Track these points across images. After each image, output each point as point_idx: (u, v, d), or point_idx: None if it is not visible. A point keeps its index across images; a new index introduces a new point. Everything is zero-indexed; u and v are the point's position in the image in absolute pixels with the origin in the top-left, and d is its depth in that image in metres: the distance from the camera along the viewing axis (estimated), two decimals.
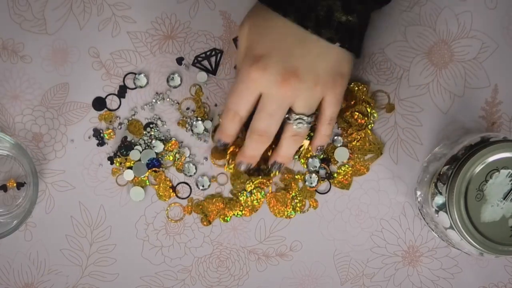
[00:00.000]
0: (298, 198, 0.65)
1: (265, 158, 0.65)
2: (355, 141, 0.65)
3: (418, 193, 0.63)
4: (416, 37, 0.65)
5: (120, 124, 0.66)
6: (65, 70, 0.66)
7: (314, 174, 0.65)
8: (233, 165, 0.64)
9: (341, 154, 0.65)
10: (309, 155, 0.65)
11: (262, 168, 0.65)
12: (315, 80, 0.56)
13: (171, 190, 0.66)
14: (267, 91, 0.57)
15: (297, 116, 0.58)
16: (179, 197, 0.66)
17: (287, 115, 0.58)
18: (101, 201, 0.66)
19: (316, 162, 0.65)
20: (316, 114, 0.59)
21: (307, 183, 0.65)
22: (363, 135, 0.65)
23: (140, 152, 0.65)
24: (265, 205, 0.66)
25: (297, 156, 0.65)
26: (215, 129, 0.65)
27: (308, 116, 0.58)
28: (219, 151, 0.65)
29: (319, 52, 0.56)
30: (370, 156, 0.65)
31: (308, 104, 0.58)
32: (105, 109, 0.66)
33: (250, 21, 0.58)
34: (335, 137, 0.65)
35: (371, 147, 0.65)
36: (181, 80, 0.66)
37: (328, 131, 0.61)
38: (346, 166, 0.65)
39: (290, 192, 0.65)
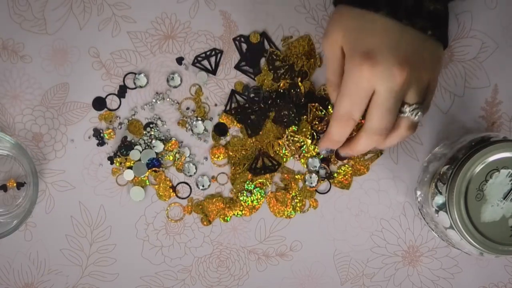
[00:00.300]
0: (298, 198, 0.65)
1: (268, 155, 0.65)
2: None
3: (418, 193, 0.63)
4: None
5: (120, 124, 0.66)
6: (65, 70, 0.66)
7: (314, 174, 0.65)
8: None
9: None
10: (309, 155, 0.65)
11: (267, 165, 0.65)
12: (422, 68, 0.55)
13: (171, 190, 0.66)
14: (383, 86, 0.54)
15: (414, 106, 0.56)
16: (179, 197, 0.66)
17: (400, 109, 0.57)
18: (101, 201, 0.66)
19: (316, 162, 0.65)
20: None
21: (307, 183, 0.65)
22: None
23: (140, 152, 0.65)
24: (265, 205, 0.66)
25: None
26: (213, 129, 0.65)
27: (421, 103, 0.57)
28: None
29: (418, 42, 0.55)
30: (370, 156, 0.65)
31: (421, 92, 0.56)
32: (105, 109, 0.66)
33: (341, 26, 0.56)
34: None
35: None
36: (181, 80, 0.66)
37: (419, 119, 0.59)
38: (346, 166, 0.65)
39: (290, 192, 0.65)
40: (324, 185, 0.66)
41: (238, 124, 0.65)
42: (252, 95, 0.65)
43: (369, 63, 0.53)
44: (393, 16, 0.54)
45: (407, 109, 0.56)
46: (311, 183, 0.65)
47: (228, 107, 0.65)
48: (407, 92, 0.55)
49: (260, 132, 0.65)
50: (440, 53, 0.57)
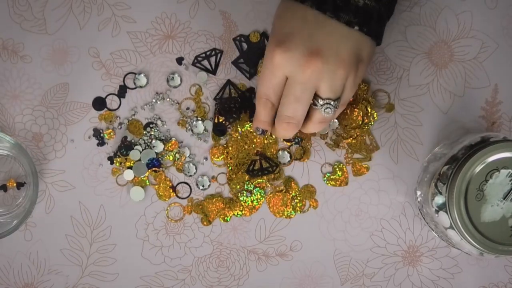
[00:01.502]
0: (298, 198, 0.65)
1: (266, 156, 0.65)
2: (351, 139, 0.65)
3: (418, 193, 0.63)
4: (416, 37, 0.65)
5: (120, 124, 0.66)
6: (65, 70, 0.66)
7: (285, 151, 0.65)
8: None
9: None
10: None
11: (265, 167, 0.65)
12: (338, 63, 0.55)
13: (171, 190, 0.66)
14: (292, 74, 0.55)
15: (324, 101, 0.57)
16: (179, 197, 0.66)
17: (313, 101, 0.57)
18: (101, 201, 0.66)
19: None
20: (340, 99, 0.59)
21: (279, 159, 0.65)
22: (359, 134, 0.65)
23: (140, 152, 0.65)
24: (265, 205, 0.66)
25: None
26: (213, 129, 0.65)
27: (334, 100, 0.57)
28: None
29: (340, 35, 0.55)
30: (360, 157, 0.65)
31: (333, 88, 0.56)
32: (105, 109, 0.66)
33: (275, 15, 0.58)
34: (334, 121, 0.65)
35: (366, 147, 0.65)
36: (181, 80, 0.66)
37: (334, 116, 0.60)
38: (340, 163, 0.65)
39: (290, 192, 0.65)
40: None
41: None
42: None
43: (280, 49, 0.55)
44: (317, 8, 0.55)
45: (319, 102, 0.57)
46: (284, 159, 0.65)
47: (219, 96, 0.65)
48: (319, 85, 0.56)
49: (227, 132, 0.65)
50: (368, 50, 0.57)
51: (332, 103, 0.57)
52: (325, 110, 0.57)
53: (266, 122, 0.60)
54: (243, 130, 0.65)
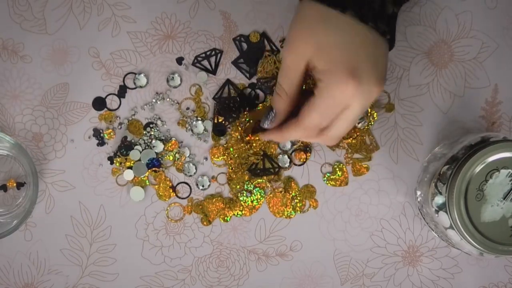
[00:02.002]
0: (298, 198, 0.65)
1: (269, 157, 0.65)
2: (351, 139, 0.65)
3: (418, 193, 0.63)
4: (416, 37, 0.65)
5: (120, 124, 0.66)
6: (65, 70, 0.66)
7: (285, 155, 0.65)
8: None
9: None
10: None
11: (267, 167, 0.65)
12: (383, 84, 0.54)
13: (171, 190, 0.66)
14: (360, 102, 0.52)
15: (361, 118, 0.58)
16: (179, 197, 0.66)
17: None
18: (101, 201, 0.66)
19: (288, 144, 0.66)
20: None
21: (280, 163, 0.65)
22: (359, 133, 0.65)
23: (140, 152, 0.65)
24: (265, 205, 0.66)
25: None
26: (213, 129, 0.65)
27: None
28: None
29: (384, 51, 0.53)
30: (360, 157, 0.65)
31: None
32: (105, 109, 0.66)
33: (310, 39, 0.52)
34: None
35: (366, 147, 0.65)
36: (181, 80, 0.66)
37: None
38: (340, 163, 0.65)
39: (290, 192, 0.65)
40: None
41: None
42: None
43: (354, 81, 0.51)
44: (359, 17, 0.52)
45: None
46: (284, 164, 0.65)
47: (218, 95, 0.65)
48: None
49: (227, 132, 0.65)
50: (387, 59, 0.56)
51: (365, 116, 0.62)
52: (361, 123, 0.60)
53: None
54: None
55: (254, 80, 0.66)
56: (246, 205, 0.65)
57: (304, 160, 0.65)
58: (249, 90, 0.66)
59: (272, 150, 0.65)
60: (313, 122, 0.54)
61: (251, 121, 0.65)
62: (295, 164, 0.66)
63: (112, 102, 0.66)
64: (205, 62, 0.66)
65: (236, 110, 0.65)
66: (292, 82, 0.54)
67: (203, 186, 0.66)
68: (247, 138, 0.65)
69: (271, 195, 0.65)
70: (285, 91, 0.55)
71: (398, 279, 0.66)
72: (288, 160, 0.65)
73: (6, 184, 0.65)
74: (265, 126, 0.58)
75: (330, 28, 0.51)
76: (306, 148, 0.65)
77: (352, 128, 0.62)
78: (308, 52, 0.52)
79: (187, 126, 0.66)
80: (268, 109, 0.58)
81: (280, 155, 0.65)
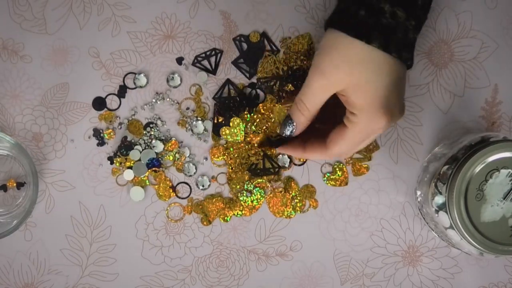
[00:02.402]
0: (298, 198, 0.65)
1: (270, 157, 0.65)
2: None
3: (418, 193, 0.63)
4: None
5: (120, 124, 0.66)
6: (65, 70, 0.66)
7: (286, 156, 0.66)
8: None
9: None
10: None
11: (267, 167, 0.65)
12: None
13: (171, 190, 0.66)
14: (383, 130, 0.56)
15: None
16: (179, 197, 0.66)
17: None
18: (101, 201, 0.66)
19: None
20: None
21: (280, 163, 0.65)
22: None
23: (140, 152, 0.65)
24: (265, 205, 0.66)
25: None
26: (213, 129, 0.65)
27: None
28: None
29: (404, 76, 0.56)
30: (360, 157, 0.65)
31: None
32: (105, 109, 0.66)
33: (344, 72, 0.53)
34: None
35: (366, 147, 0.65)
36: (181, 80, 0.66)
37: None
38: (340, 163, 0.65)
39: (290, 192, 0.65)
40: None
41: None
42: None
43: (387, 117, 0.54)
44: (384, 48, 0.53)
45: None
46: (284, 164, 0.65)
47: (218, 95, 0.65)
48: None
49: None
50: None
51: None
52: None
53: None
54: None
55: (254, 80, 0.66)
56: (246, 205, 0.65)
57: (304, 160, 0.66)
58: (249, 90, 0.66)
59: (272, 150, 0.65)
60: (341, 151, 0.58)
61: (262, 134, 0.65)
62: (295, 164, 0.66)
63: (112, 102, 0.66)
64: (205, 62, 0.66)
65: (236, 110, 0.65)
66: (316, 103, 0.57)
67: (203, 186, 0.66)
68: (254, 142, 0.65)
69: (271, 195, 0.65)
70: (308, 109, 0.57)
71: (398, 279, 0.66)
72: (288, 160, 0.65)
73: (6, 184, 0.65)
74: (284, 135, 0.60)
75: (368, 68, 0.53)
76: None
77: None
78: (342, 84, 0.54)
79: (187, 126, 0.66)
80: (287, 117, 0.59)
81: (280, 155, 0.65)
